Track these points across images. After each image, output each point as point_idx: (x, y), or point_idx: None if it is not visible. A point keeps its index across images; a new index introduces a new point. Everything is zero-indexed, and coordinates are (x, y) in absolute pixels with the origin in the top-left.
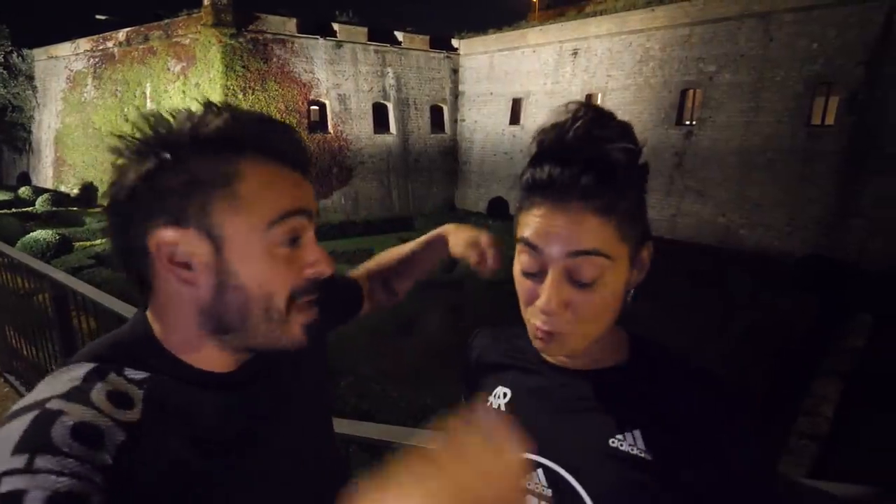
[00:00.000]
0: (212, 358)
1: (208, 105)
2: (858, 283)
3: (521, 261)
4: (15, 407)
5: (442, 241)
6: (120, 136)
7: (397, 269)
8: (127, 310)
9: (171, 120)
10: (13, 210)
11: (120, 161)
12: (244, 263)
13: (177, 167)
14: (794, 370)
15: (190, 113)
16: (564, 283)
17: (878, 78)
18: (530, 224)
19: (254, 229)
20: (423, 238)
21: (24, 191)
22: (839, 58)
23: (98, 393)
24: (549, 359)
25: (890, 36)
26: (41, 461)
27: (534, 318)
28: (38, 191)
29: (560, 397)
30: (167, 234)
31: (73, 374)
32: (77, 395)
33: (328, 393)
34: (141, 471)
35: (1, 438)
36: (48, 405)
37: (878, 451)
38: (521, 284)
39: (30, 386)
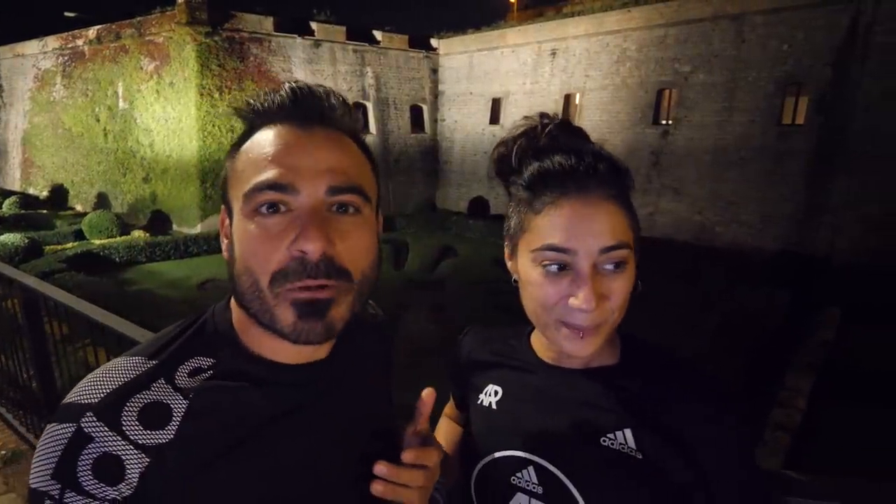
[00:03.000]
0: (269, 344)
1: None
2: (828, 278)
3: (542, 265)
4: (68, 399)
5: None
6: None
7: None
8: (100, 314)
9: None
10: None
11: None
12: (237, 235)
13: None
14: (768, 363)
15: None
16: (596, 277)
17: (844, 79)
18: (556, 227)
19: (238, 197)
20: None
21: None
22: (808, 59)
23: (130, 410)
24: (543, 358)
25: (855, 38)
26: (69, 497)
27: (569, 319)
28: (6, 193)
29: (552, 396)
30: (222, 213)
31: (122, 374)
32: (109, 413)
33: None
34: (169, 489)
35: (45, 450)
36: (83, 423)
37: (848, 442)
38: (544, 288)
39: (0, 394)
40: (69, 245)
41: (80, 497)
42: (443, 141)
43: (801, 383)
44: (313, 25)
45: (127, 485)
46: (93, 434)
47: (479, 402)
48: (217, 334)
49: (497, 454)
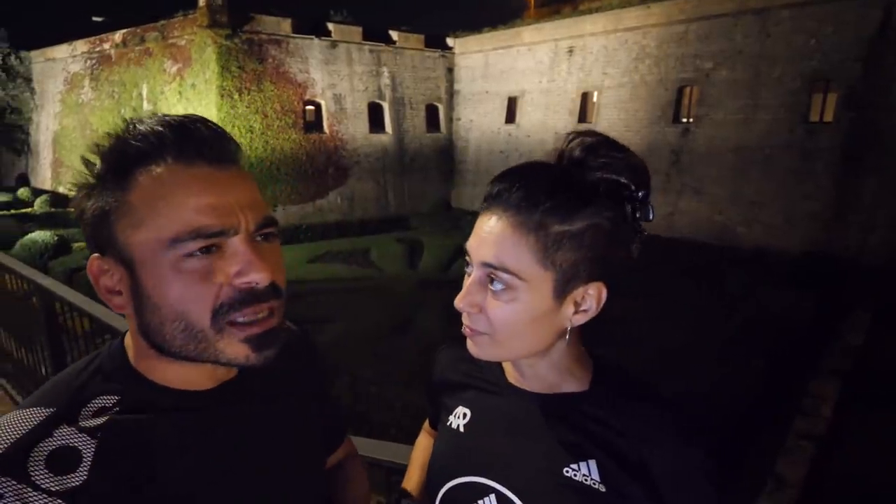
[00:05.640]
0: (180, 375)
1: (128, 124)
2: (857, 280)
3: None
4: None
5: None
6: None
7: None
8: (111, 317)
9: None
10: (12, 211)
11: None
12: (154, 283)
13: (91, 195)
14: (792, 369)
15: (117, 135)
16: (479, 287)
17: (875, 74)
18: (472, 234)
19: (154, 244)
20: None
21: (22, 192)
22: (837, 54)
23: (36, 460)
24: (510, 380)
25: (888, 31)
26: None
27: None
28: (37, 192)
29: (518, 420)
30: (95, 264)
31: (19, 426)
32: (14, 466)
33: (314, 438)
34: None
35: None
36: None
37: (876, 451)
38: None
39: (20, 389)
40: None
41: None
42: (458, 140)
43: (827, 390)
44: (330, 26)
45: None
46: (0, 491)
47: (448, 423)
48: (117, 371)
49: (461, 479)
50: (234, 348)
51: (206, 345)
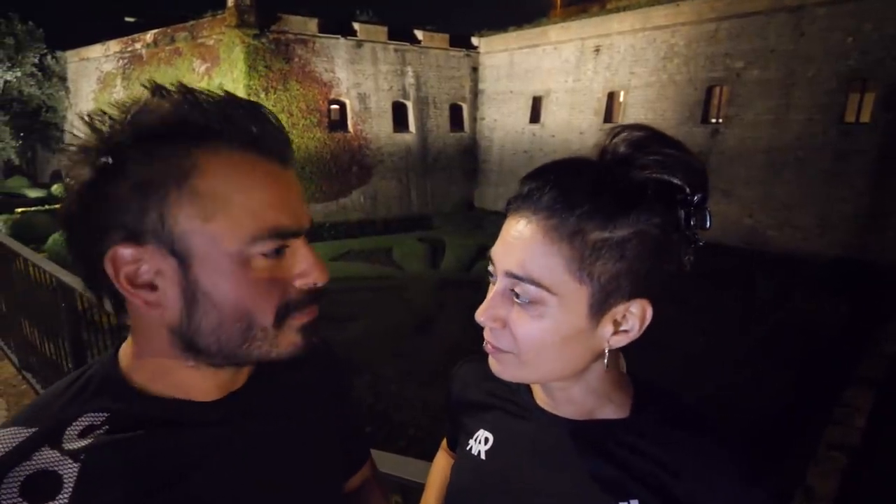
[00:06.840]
0: (187, 383)
1: (156, 89)
2: (894, 286)
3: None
4: None
5: None
6: (73, 137)
7: None
8: None
9: (115, 114)
10: (46, 207)
11: (64, 164)
12: (216, 281)
13: (120, 172)
14: (823, 377)
15: (134, 102)
16: (503, 299)
17: None
18: (498, 238)
19: (226, 239)
20: None
21: (56, 188)
22: (876, 52)
23: (10, 487)
24: (540, 403)
25: None
26: None
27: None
28: None
29: (547, 449)
30: (124, 253)
31: None
32: None
33: (335, 457)
34: None
35: None
36: None
37: None
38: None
39: (45, 384)
40: None
41: None
42: (482, 140)
43: (861, 400)
44: (356, 26)
45: None
46: None
47: (468, 447)
48: (108, 384)
49: None
50: (290, 339)
51: (263, 343)
